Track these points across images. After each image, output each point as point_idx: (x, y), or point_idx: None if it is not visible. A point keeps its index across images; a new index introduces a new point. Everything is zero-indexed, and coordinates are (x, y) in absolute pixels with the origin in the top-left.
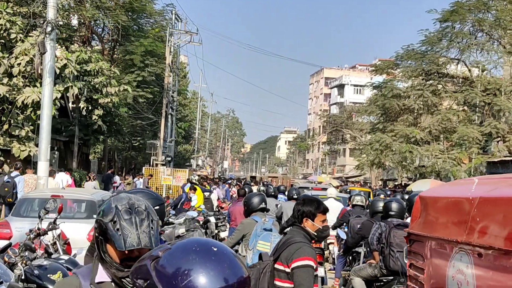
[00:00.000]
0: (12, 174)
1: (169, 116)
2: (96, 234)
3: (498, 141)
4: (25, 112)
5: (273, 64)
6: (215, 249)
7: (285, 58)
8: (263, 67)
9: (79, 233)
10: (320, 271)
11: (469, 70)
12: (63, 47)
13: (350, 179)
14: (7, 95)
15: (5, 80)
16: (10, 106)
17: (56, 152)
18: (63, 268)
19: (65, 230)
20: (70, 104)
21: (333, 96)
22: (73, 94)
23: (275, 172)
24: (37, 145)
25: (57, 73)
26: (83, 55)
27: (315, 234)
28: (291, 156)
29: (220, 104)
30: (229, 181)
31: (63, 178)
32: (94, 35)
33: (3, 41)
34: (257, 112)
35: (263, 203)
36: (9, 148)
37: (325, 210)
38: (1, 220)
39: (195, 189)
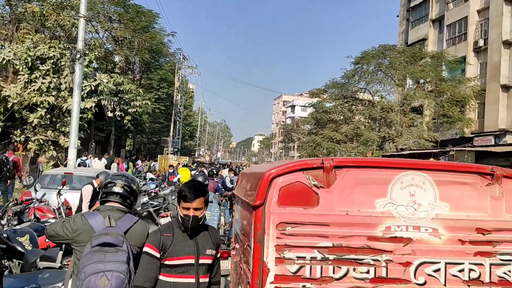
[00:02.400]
0: (83, 158)
1: (177, 122)
2: None
3: (389, 142)
4: (69, 115)
5: (251, 90)
6: None
7: (260, 87)
8: (244, 92)
9: None
10: None
11: (372, 96)
12: (107, 75)
13: None
14: (55, 103)
15: (54, 93)
16: (58, 111)
17: (93, 144)
18: (32, 231)
19: (71, 198)
20: (109, 113)
21: (288, 113)
22: (110, 105)
23: (250, 160)
24: (78, 138)
25: (93, 89)
26: (118, 79)
27: (181, 221)
28: (261, 150)
29: (215, 115)
30: (216, 165)
31: (105, 160)
32: (128, 67)
33: (54, 66)
34: (240, 122)
35: (206, 181)
36: (57, 140)
37: (185, 198)
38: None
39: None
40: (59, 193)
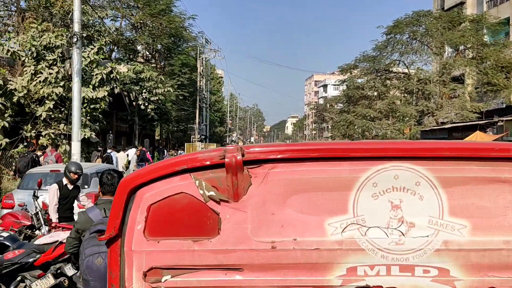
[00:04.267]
0: (108, 151)
1: (202, 108)
2: None
3: (428, 116)
4: (82, 106)
5: (281, 72)
6: None
7: (291, 68)
8: (274, 75)
9: None
10: None
11: (407, 68)
12: (128, 63)
13: None
14: (64, 94)
15: (62, 83)
16: (69, 103)
17: (111, 135)
18: None
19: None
20: (134, 101)
21: (320, 92)
22: (132, 93)
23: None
24: (93, 130)
25: (104, 78)
26: (138, 68)
27: None
28: (295, 132)
29: (247, 100)
30: None
31: (130, 152)
32: (150, 55)
33: (61, 55)
34: (273, 105)
35: None
36: (70, 133)
37: None
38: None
39: None
40: (35, 196)
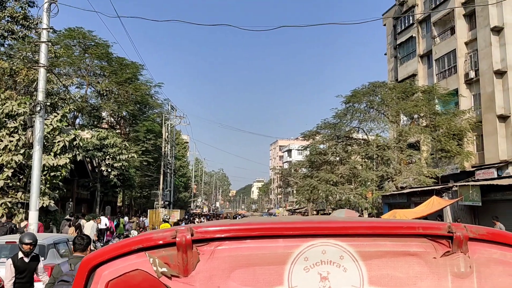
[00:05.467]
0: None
1: (167, 174)
2: None
3: (388, 181)
4: (42, 174)
5: (246, 137)
6: None
7: (255, 134)
8: (239, 140)
9: None
10: None
11: (366, 135)
12: (92, 130)
13: (296, 211)
14: (23, 162)
15: (22, 151)
16: (28, 170)
17: (71, 203)
18: None
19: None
20: (96, 168)
21: (285, 157)
22: (94, 160)
23: (250, 208)
24: (52, 198)
25: (66, 145)
26: (102, 134)
27: None
28: (260, 196)
29: (213, 165)
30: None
31: (103, 220)
32: (115, 121)
33: (23, 123)
34: (238, 170)
35: None
36: (28, 202)
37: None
38: None
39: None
40: None
